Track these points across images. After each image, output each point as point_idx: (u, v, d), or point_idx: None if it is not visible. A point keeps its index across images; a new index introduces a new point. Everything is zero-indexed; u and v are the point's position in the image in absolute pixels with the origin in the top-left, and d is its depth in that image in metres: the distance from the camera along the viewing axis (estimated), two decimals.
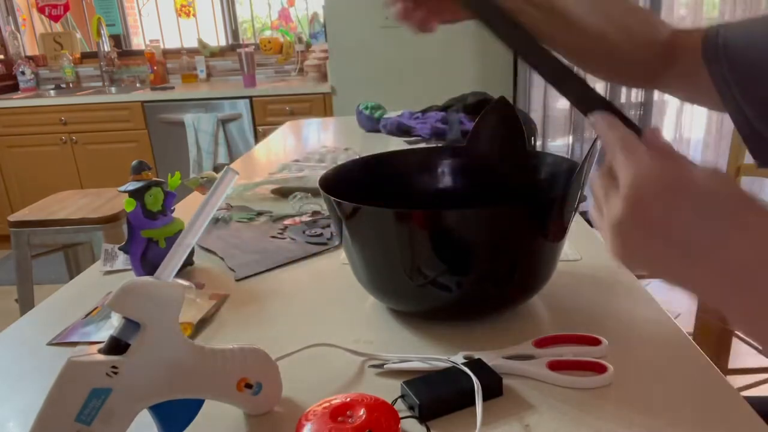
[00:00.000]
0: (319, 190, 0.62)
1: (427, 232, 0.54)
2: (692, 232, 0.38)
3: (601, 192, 0.43)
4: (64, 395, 0.38)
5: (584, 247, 0.81)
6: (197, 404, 0.45)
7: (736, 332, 1.74)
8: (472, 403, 0.47)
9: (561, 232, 0.59)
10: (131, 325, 0.41)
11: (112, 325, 0.65)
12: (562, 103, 2.89)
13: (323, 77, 3.22)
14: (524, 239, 0.57)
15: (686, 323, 1.85)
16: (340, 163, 0.75)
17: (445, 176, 0.75)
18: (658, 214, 0.39)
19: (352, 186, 0.66)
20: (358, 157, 0.96)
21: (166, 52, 3.66)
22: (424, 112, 1.59)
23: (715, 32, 0.61)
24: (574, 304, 0.65)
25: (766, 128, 0.63)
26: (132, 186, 0.73)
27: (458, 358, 0.53)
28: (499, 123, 0.70)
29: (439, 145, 1.43)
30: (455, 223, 0.53)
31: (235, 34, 3.68)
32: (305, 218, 0.98)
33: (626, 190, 0.40)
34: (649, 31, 0.65)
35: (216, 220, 0.98)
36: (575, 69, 0.52)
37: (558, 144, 2.92)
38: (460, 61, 2.80)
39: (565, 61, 0.50)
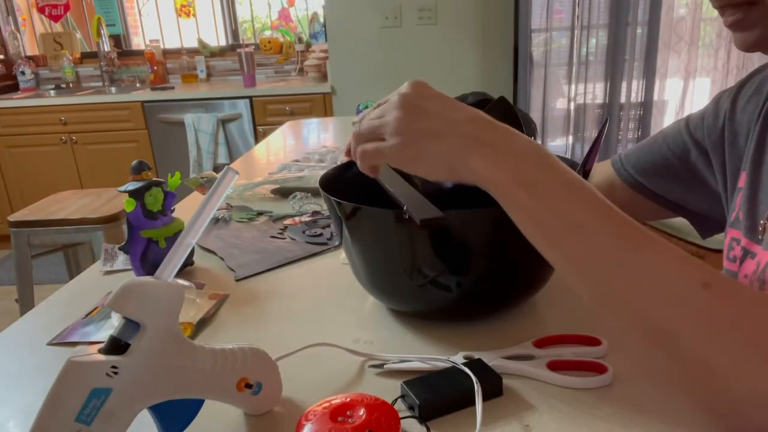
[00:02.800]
0: (319, 190, 0.62)
1: (427, 232, 0.54)
2: (451, 106, 0.48)
3: (376, 117, 0.50)
4: (64, 395, 0.38)
5: None
6: (197, 404, 0.45)
7: None
8: (472, 403, 0.47)
9: None
10: (131, 325, 0.41)
11: (112, 325, 0.65)
12: (561, 103, 2.89)
13: (323, 77, 3.22)
14: (524, 239, 0.57)
15: None
16: (340, 163, 0.75)
17: None
18: (427, 92, 0.48)
19: (352, 186, 0.66)
20: None
21: (166, 52, 3.66)
22: None
23: (617, 156, 0.80)
24: (574, 304, 0.65)
25: (692, 201, 0.75)
26: (132, 186, 0.73)
27: (458, 358, 0.53)
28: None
29: None
30: (455, 223, 0.53)
31: (235, 34, 3.68)
32: (305, 218, 0.98)
33: (394, 95, 0.49)
34: None
35: (216, 220, 0.98)
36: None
37: (558, 144, 2.92)
38: (460, 61, 2.80)
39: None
